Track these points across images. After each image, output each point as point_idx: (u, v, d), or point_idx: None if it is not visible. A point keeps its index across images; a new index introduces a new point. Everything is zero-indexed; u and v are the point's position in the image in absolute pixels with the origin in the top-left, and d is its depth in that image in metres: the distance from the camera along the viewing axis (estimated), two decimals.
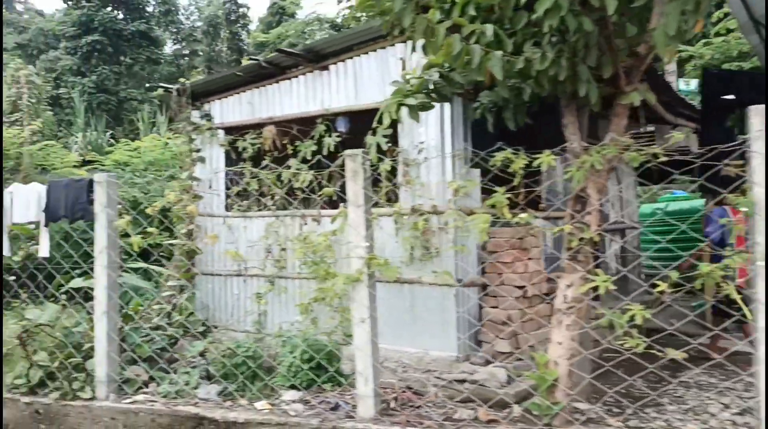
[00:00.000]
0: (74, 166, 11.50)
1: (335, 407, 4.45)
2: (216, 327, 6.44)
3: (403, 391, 4.80)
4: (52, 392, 4.68)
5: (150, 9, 27.99)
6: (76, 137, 16.22)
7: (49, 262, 5.08)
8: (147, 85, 24.67)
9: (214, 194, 6.66)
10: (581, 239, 3.90)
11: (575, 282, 4.00)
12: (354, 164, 4.10)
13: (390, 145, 5.14)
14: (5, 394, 4.76)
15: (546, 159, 3.81)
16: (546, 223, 5.84)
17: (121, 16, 25.27)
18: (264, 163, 5.45)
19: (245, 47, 27.95)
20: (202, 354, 5.39)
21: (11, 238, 5.13)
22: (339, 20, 19.72)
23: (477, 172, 5.50)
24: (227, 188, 6.60)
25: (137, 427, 4.42)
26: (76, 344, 4.98)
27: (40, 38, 26.98)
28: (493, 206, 3.85)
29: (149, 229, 4.80)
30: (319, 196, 4.65)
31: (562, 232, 3.95)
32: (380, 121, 4.40)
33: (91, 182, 4.82)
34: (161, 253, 5.59)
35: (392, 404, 4.38)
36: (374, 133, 5.07)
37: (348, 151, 4.13)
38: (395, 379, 4.90)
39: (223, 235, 6.61)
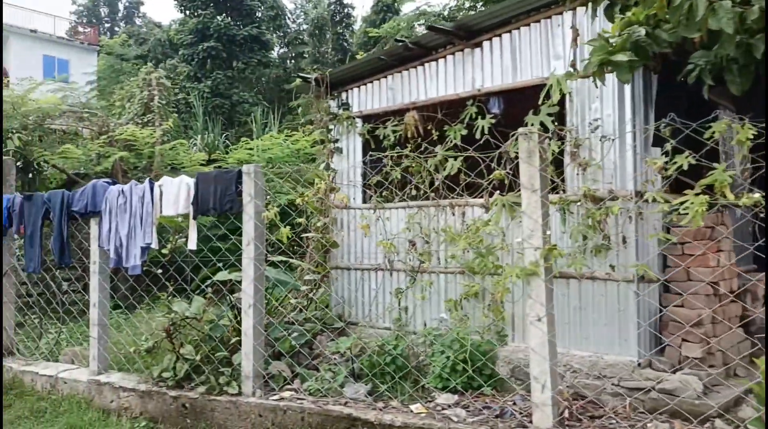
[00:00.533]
0: (201, 165, 11.95)
1: (501, 414, 4.02)
2: (353, 323, 6.22)
3: (575, 399, 4.26)
4: (199, 386, 4.60)
5: (258, 14, 29.00)
6: (195, 139, 16.98)
7: (196, 255, 5.04)
8: (255, 89, 25.50)
9: (351, 186, 6.41)
10: None
11: None
12: (529, 144, 3.68)
13: (556, 124, 4.59)
14: (153, 387, 4.75)
15: None
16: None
17: (232, 22, 26.36)
18: (405, 151, 5.08)
19: (349, 47, 28.20)
20: (341, 352, 5.17)
21: (159, 231, 5.12)
22: (446, 12, 19.27)
23: (656, 151, 4.80)
24: (365, 179, 6.32)
25: (286, 425, 4.22)
26: (222, 338, 4.90)
27: (159, 48, 28.81)
28: (708, 187, 3.22)
29: (298, 220, 4.59)
30: (488, 181, 4.21)
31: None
32: (547, 97, 3.94)
33: (239, 173, 4.70)
34: (296, 247, 5.43)
35: (566, 413, 3.86)
36: (536, 113, 4.58)
37: (522, 129, 3.73)
38: (563, 386, 4.36)
39: (359, 228, 6.36)
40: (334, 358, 5.16)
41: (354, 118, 6.64)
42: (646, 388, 4.13)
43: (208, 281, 5.21)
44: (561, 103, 4.87)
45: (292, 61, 32.04)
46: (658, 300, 4.88)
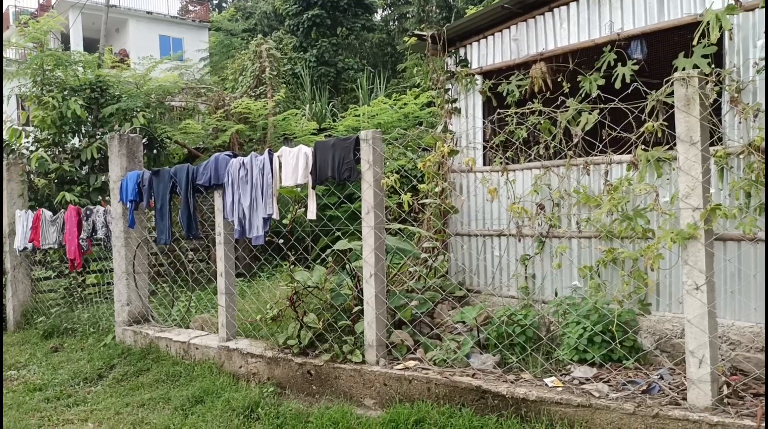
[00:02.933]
0: (311, 134, 12.24)
1: (648, 389, 3.74)
2: (475, 291, 6.08)
3: (733, 375, 3.86)
4: (323, 354, 4.73)
5: None
6: (304, 109, 17.42)
7: (315, 224, 5.12)
8: (359, 55, 25.50)
9: (470, 148, 6.18)
10: None
11: None
12: (687, 90, 3.32)
13: (713, 67, 4.07)
14: (279, 354, 4.94)
15: None
16: None
17: None
18: (534, 106, 4.74)
19: (455, 3, 27.35)
20: (464, 321, 5.07)
21: (279, 201, 5.26)
22: None
23: None
24: (485, 140, 6.05)
25: (411, 395, 4.22)
26: (344, 306, 4.98)
27: (265, 21, 29.72)
28: None
29: (420, 187, 4.49)
30: (636, 135, 3.82)
31: None
32: (702, 37, 3.48)
33: (357, 140, 4.68)
34: (413, 214, 5.33)
35: (724, 390, 3.50)
36: (687, 56, 4.09)
37: (679, 74, 3.37)
38: (720, 360, 3.95)
39: (480, 192, 6.14)
40: (458, 328, 5.08)
41: (473, 75, 6.35)
42: None
43: (328, 250, 5.30)
44: (718, 42, 4.35)
45: (395, 23, 31.71)
46: None
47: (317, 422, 4.04)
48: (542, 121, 4.68)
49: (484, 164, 6.20)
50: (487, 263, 6.15)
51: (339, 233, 5.33)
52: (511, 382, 4.05)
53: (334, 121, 14.60)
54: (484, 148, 6.10)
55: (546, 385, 3.99)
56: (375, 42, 29.38)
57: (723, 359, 4.06)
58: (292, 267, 5.19)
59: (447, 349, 4.59)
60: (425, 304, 5.21)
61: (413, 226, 5.78)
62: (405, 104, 12.80)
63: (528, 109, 4.75)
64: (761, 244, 4.31)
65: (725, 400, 3.41)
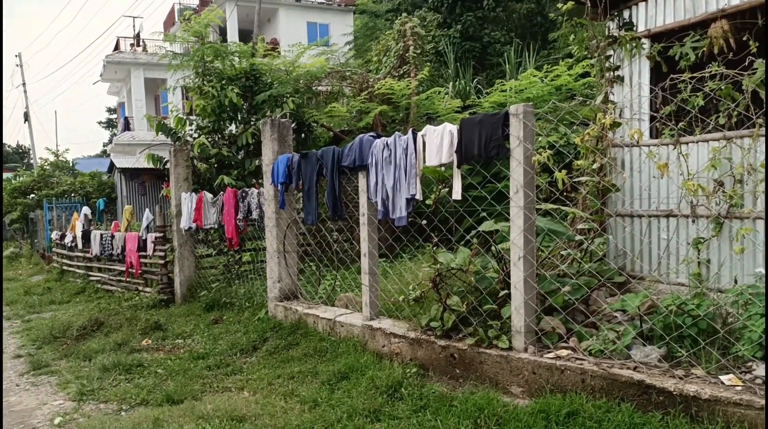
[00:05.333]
0: (455, 112, 12.19)
1: None
2: (638, 277, 5.69)
3: None
4: (467, 338, 4.73)
5: None
6: (447, 87, 17.39)
7: (460, 205, 5.11)
8: (506, 27, 24.80)
9: (635, 119, 5.74)
10: None
11: None
12: None
13: None
14: (421, 336, 5.02)
15: None
16: None
17: None
18: (714, 69, 4.25)
19: None
20: (624, 310, 4.76)
21: (422, 182, 5.31)
22: None
23: None
24: (653, 110, 5.58)
25: (563, 386, 4.09)
26: (489, 290, 4.93)
27: (408, 0, 29.99)
28: None
29: (578, 163, 4.29)
30: None
31: None
32: None
33: (506, 116, 4.59)
34: (566, 193, 5.08)
35: None
36: None
37: None
38: None
39: (646, 168, 5.70)
40: (617, 317, 4.80)
41: (639, 39, 5.87)
42: None
43: (473, 232, 5.27)
44: None
45: None
46: None
47: (462, 406, 4.07)
48: (723, 87, 4.19)
49: (651, 137, 5.73)
50: (652, 247, 5.70)
51: (485, 214, 5.25)
52: (680, 378, 3.77)
53: (478, 97, 14.42)
54: (652, 119, 5.63)
55: (722, 383, 3.65)
56: (523, 13, 28.39)
57: None
58: (435, 248, 5.24)
59: (604, 339, 4.37)
60: (580, 289, 4.99)
61: (567, 205, 5.54)
62: (557, 76, 12.25)
63: (707, 72, 4.27)
64: None
65: None
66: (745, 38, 4.83)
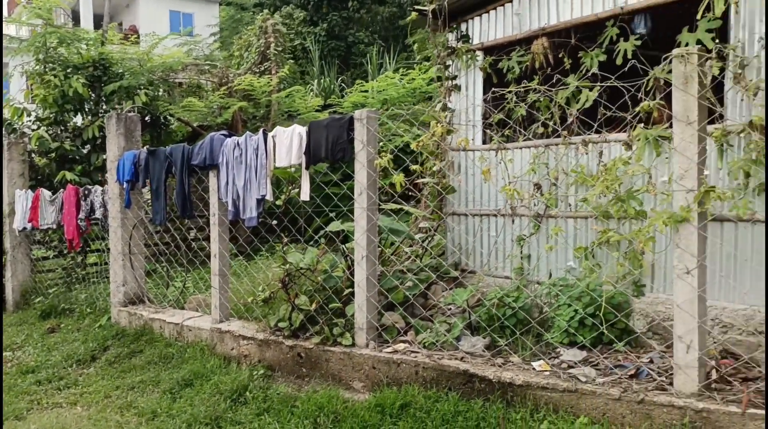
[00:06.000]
0: (316, 110, 12.17)
1: (636, 374, 3.71)
2: (471, 272, 6.05)
3: (724, 359, 3.82)
4: (313, 336, 4.75)
5: None
6: (312, 84, 17.31)
7: (309, 205, 5.12)
8: (370, 29, 25.20)
9: (470, 125, 6.09)
10: None
11: None
12: (686, 68, 3.28)
13: (717, 42, 3.95)
14: (270, 336, 4.97)
15: None
16: None
17: None
18: (533, 84, 4.64)
19: None
20: (457, 304, 5.04)
21: (273, 182, 5.24)
22: None
23: None
24: (485, 118, 5.97)
25: (399, 379, 4.24)
26: (335, 288, 4.99)
27: None
28: None
29: (413, 167, 4.45)
30: (632, 114, 3.74)
31: None
32: (707, 10, 3.38)
33: (351, 120, 4.66)
34: (411, 194, 5.28)
35: (713, 374, 3.47)
36: (692, 30, 3.98)
37: (678, 50, 3.32)
38: (711, 343, 3.91)
39: (478, 171, 6.07)
40: (450, 310, 5.07)
41: (474, 51, 6.23)
42: None
43: (322, 232, 5.30)
44: (724, 15, 4.23)
45: None
46: None
47: (303, 406, 4.07)
48: (541, 99, 4.58)
49: (484, 143, 6.12)
50: (483, 244, 6.10)
51: (339, 213, 5.30)
52: (499, 366, 4.04)
53: (343, 96, 14.52)
54: (484, 125, 6.02)
55: (534, 369, 3.98)
56: (385, 16, 28.97)
57: (715, 342, 4.00)
58: (284, 248, 5.20)
59: (437, 332, 4.58)
60: (418, 286, 5.20)
61: (414, 206, 5.76)
62: (413, 79, 12.66)
63: (524, 87, 4.65)
64: (759, 224, 4.22)
65: (713, 386, 3.38)
66: (561, 55, 5.30)
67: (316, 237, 5.45)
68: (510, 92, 4.64)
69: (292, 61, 16.05)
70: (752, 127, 3.48)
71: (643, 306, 4.58)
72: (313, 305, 4.87)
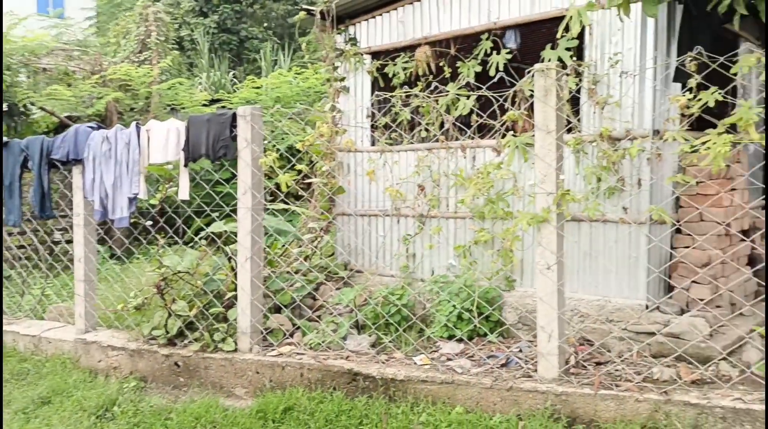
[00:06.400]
0: (203, 105, 11.77)
1: (506, 363, 4.00)
2: (359, 272, 6.18)
3: (581, 345, 4.22)
4: (192, 344, 4.61)
5: None
6: (200, 77, 16.71)
7: (188, 205, 4.98)
8: (264, 24, 24.71)
9: (359, 127, 6.22)
10: None
11: None
12: (546, 81, 3.58)
13: (574, 59, 4.35)
14: (143, 346, 4.78)
15: None
16: None
17: None
18: (416, 89, 4.86)
19: None
20: (345, 303, 5.14)
21: (147, 180, 5.04)
22: None
23: (677, 88, 4.60)
24: (373, 120, 6.13)
25: (284, 382, 4.25)
26: (217, 292, 4.90)
27: None
28: (731, 127, 3.09)
29: (299, 167, 4.47)
30: (500, 122, 4.02)
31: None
32: (566, 30, 3.71)
33: (234, 116, 4.57)
34: (299, 194, 5.30)
35: (571, 360, 3.83)
36: (554, 47, 4.35)
37: (539, 65, 3.61)
38: (570, 332, 4.31)
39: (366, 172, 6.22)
40: (338, 310, 5.15)
41: (362, 55, 6.37)
42: (653, 332, 4.07)
43: (202, 233, 5.17)
44: (580, 36, 4.67)
45: None
46: (669, 242, 4.79)
47: (178, 418, 3.95)
48: (424, 105, 4.80)
49: (372, 144, 6.27)
50: (371, 244, 6.27)
51: (222, 213, 5.19)
52: (383, 363, 4.18)
53: (234, 91, 14.14)
54: (372, 128, 6.18)
55: (415, 363, 4.16)
56: (280, 13, 28.55)
57: (575, 331, 4.40)
58: (161, 251, 5.02)
59: (324, 333, 4.65)
60: (305, 287, 5.23)
61: (300, 206, 5.78)
62: (307, 78, 12.63)
63: (407, 92, 4.85)
64: (609, 224, 4.71)
65: (571, 371, 3.72)
66: (441, 64, 5.57)
67: (197, 239, 5.30)
68: (393, 96, 4.81)
69: (177, 51, 15.39)
70: (602, 137, 3.88)
71: (513, 299, 4.94)
72: (193, 311, 4.75)
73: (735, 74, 3.28)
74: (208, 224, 5.08)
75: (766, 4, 3.07)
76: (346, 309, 5.19)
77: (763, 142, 3.17)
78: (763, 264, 4.94)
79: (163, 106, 11.56)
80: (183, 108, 11.69)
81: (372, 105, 6.15)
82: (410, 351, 4.37)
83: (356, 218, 6.34)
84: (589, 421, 3.39)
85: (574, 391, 3.45)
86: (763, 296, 4.65)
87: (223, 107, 11.85)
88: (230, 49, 23.72)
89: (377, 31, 6.33)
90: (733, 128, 3.22)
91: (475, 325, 4.41)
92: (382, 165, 5.73)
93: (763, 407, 3.03)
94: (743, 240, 4.89)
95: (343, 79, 6.46)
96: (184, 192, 4.87)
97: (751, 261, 5.17)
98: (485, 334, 4.49)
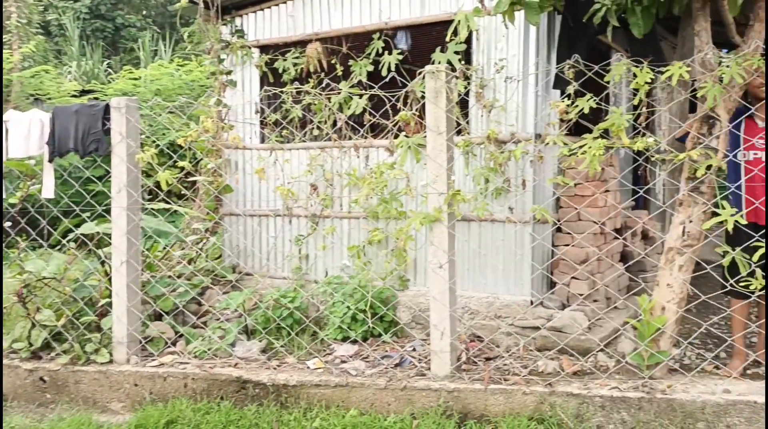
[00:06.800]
0: (72, 96, 10.87)
1: (400, 363, 4.03)
2: (249, 274, 5.98)
3: (472, 341, 4.35)
4: (60, 356, 4.23)
5: None
6: (70, 66, 15.49)
7: (55, 204, 4.55)
8: (143, 12, 23.39)
9: (248, 124, 6.00)
10: (708, 167, 3.39)
11: (696, 216, 3.49)
12: (436, 83, 3.62)
13: (463, 63, 4.46)
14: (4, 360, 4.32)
15: (678, 71, 3.28)
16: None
17: None
18: (307, 86, 4.76)
19: None
20: (233, 308, 4.94)
21: (7, 176, 4.55)
22: None
23: (557, 93, 4.88)
24: (263, 116, 5.93)
25: (166, 394, 4.00)
26: (89, 300, 4.52)
27: None
28: (605, 132, 3.31)
29: (181, 164, 4.23)
30: (393, 122, 4.02)
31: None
32: (454, 34, 3.81)
33: (107, 108, 4.24)
34: (182, 193, 5.02)
35: (463, 357, 3.93)
36: (444, 50, 4.44)
37: (429, 67, 3.65)
38: (462, 329, 4.44)
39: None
40: (226, 315, 4.95)
41: (249, 48, 6.15)
42: (538, 327, 4.28)
43: (71, 235, 4.74)
44: (468, 41, 4.80)
45: None
46: (551, 241, 5.08)
47: None
48: (316, 102, 4.72)
49: (262, 142, 6.09)
50: (261, 245, 6.09)
51: (94, 213, 4.79)
52: (275, 368, 4.06)
53: (109, 82, 13.22)
54: (261, 124, 6.00)
55: (308, 367, 4.07)
56: (160, 0, 27.18)
57: (466, 328, 4.53)
58: (21, 255, 4.55)
59: (210, 340, 4.44)
60: (189, 292, 4.96)
61: (184, 206, 5.47)
62: (190, 71, 12.10)
63: (297, 89, 4.75)
64: (496, 223, 4.91)
65: (462, 367, 3.81)
66: (333, 62, 5.51)
67: (65, 241, 4.86)
68: (283, 92, 4.69)
69: (42, 37, 14.14)
70: (489, 139, 4.03)
71: (407, 299, 5.00)
72: (61, 320, 4.35)
73: (608, 82, 3.51)
74: (78, 225, 4.66)
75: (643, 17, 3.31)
76: (234, 314, 5.00)
77: (633, 147, 3.40)
78: (634, 260, 5.36)
79: (26, 96, 10.56)
80: (49, 98, 10.75)
81: (261, 100, 5.98)
82: (303, 355, 4.28)
83: (245, 218, 6.14)
84: (480, 416, 3.48)
85: (465, 387, 3.53)
86: (635, 290, 5.05)
87: (96, 99, 11.03)
88: (104, 37, 22.19)
89: (266, 24, 6.16)
90: (606, 133, 3.45)
91: (369, 326, 4.41)
92: (273, 163, 5.59)
93: (637, 395, 3.26)
94: (616, 238, 5.34)
95: (229, 73, 6.22)
96: (48, 190, 4.49)
97: (623, 257, 5.59)
98: (380, 335, 4.50)
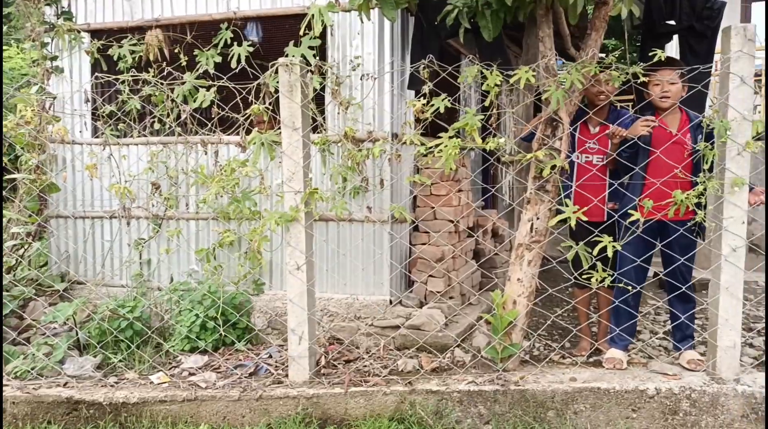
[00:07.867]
0: None
1: (255, 371, 3.87)
2: (81, 282, 5.42)
3: (332, 344, 4.32)
4: None
5: None
6: None
7: None
8: None
9: (77, 115, 5.43)
10: (553, 167, 3.65)
11: (542, 214, 3.75)
12: (291, 77, 3.51)
13: (317, 58, 4.40)
14: None
15: (525, 75, 3.47)
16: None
17: None
18: (146, 75, 4.39)
19: None
20: (63, 321, 4.45)
21: None
22: None
23: (412, 93, 5.02)
24: (95, 108, 5.39)
25: None
26: None
27: None
28: (458, 132, 3.45)
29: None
30: (244, 116, 3.82)
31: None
32: (308, 28, 3.74)
33: None
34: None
35: (322, 361, 3.88)
36: (298, 44, 4.34)
37: (283, 60, 3.54)
38: (321, 332, 4.38)
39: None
40: (53, 329, 4.45)
41: (79, 32, 5.60)
42: (397, 326, 4.36)
43: None
44: (323, 36, 4.77)
45: None
46: (408, 239, 5.22)
47: None
48: (157, 93, 4.38)
49: (95, 135, 5.56)
50: (95, 249, 5.57)
51: None
52: (112, 386, 3.72)
53: None
54: (94, 116, 5.48)
55: (152, 382, 3.78)
56: None
57: (325, 330, 4.48)
58: None
59: (34, 357, 3.97)
60: (7, 304, 4.40)
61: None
62: (10, 58, 10.83)
63: (134, 76, 4.38)
64: (355, 223, 4.95)
65: (322, 372, 3.76)
66: (177, 51, 5.19)
67: None
68: (117, 80, 4.30)
69: None
70: (346, 137, 4.02)
71: (263, 303, 4.86)
72: None
73: (461, 84, 3.67)
74: None
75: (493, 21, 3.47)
76: (63, 327, 4.51)
77: (486, 147, 3.56)
78: (486, 257, 5.66)
79: None
80: None
81: (93, 89, 5.47)
82: (146, 369, 3.97)
83: (75, 221, 5.58)
84: (341, 421, 3.45)
85: (325, 392, 3.47)
86: (488, 286, 5.32)
87: None
88: None
89: (98, 8, 5.67)
90: (458, 134, 3.59)
91: (220, 334, 4.20)
92: (107, 158, 5.13)
93: (492, 388, 3.41)
94: (470, 236, 5.61)
95: (54, 58, 5.61)
96: None
97: (476, 255, 5.89)
98: (233, 343, 4.29)
